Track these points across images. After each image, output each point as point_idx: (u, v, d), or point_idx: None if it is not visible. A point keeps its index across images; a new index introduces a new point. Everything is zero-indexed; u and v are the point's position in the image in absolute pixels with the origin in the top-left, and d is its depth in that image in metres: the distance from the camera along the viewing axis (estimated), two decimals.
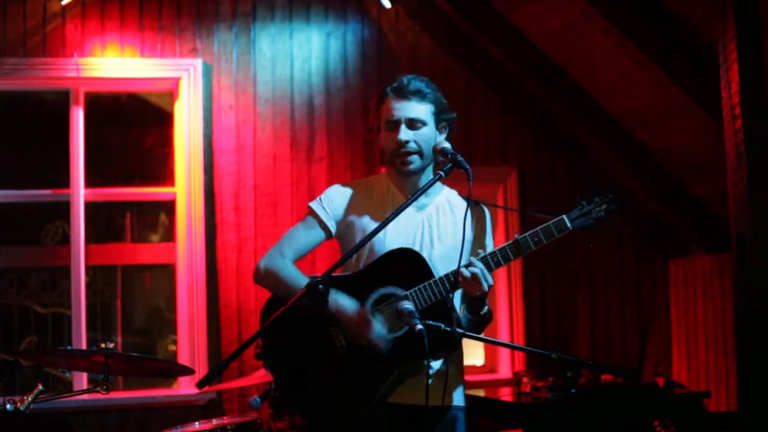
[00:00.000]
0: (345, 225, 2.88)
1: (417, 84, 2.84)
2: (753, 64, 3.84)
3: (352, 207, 2.89)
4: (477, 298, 2.71)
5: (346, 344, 2.71)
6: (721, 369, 5.57)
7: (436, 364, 2.78)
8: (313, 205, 2.90)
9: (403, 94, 2.82)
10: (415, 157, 2.81)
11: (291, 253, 2.85)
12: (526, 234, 2.71)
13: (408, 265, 2.74)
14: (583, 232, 2.74)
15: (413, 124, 2.82)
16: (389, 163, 2.88)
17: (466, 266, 2.65)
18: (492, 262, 2.70)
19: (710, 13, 4.18)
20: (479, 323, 2.81)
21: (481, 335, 2.80)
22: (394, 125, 2.82)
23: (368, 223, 2.84)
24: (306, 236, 2.88)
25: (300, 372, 2.74)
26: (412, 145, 2.80)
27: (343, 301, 2.69)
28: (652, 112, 5.34)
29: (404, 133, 2.80)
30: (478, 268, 2.64)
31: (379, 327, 2.67)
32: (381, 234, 2.78)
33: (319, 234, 2.88)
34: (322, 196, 2.91)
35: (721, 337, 5.60)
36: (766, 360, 3.76)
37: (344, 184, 2.95)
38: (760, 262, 3.78)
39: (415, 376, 2.71)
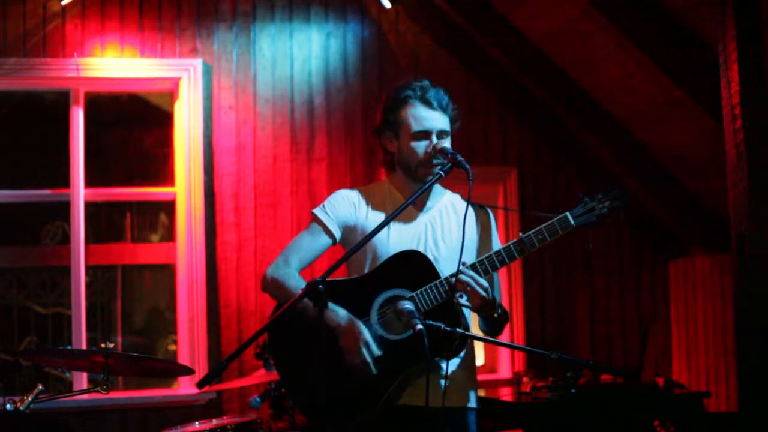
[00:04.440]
0: (349, 230, 2.89)
1: (442, 96, 2.86)
2: (753, 64, 3.85)
3: (356, 212, 2.90)
4: (481, 308, 2.71)
5: None
6: (721, 369, 5.57)
7: (452, 366, 2.78)
8: (317, 211, 2.91)
9: (431, 104, 2.83)
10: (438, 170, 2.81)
11: (296, 262, 2.86)
12: (530, 232, 2.71)
13: (414, 266, 2.75)
14: (586, 229, 2.75)
15: (441, 135, 2.83)
16: (409, 171, 2.86)
17: (455, 275, 2.64)
18: (497, 261, 2.71)
19: (710, 13, 4.18)
20: (497, 323, 2.81)
21: (481, 335, 2.80)
22: (425, 135, 2.81)
23: (372, 227, 2.84)
24: (311, 243, 2.88)
25: (307, 374, 2.74)
26: (441, 158, 2.80)
27: (339, 315, 2.70)
28: (652, 112, 5.34)
29: (440, 145, 2.80)
30: (468, 276, 2.64)
31: (372, 347, 2.67)
32: (384, 237, 2.80)
33: (324, 240, 2.89)
34: (326, 203, 2.92)
35: (721, 337, 5.60)
36: (766, 360, 3.76)
37: (347, 190, 2.96)
38: (760, 262, 3.78)
39: (424, 377, 2.71)
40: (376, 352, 2.67)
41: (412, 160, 2.84)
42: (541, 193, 5.93)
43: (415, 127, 2.82)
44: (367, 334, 2.68)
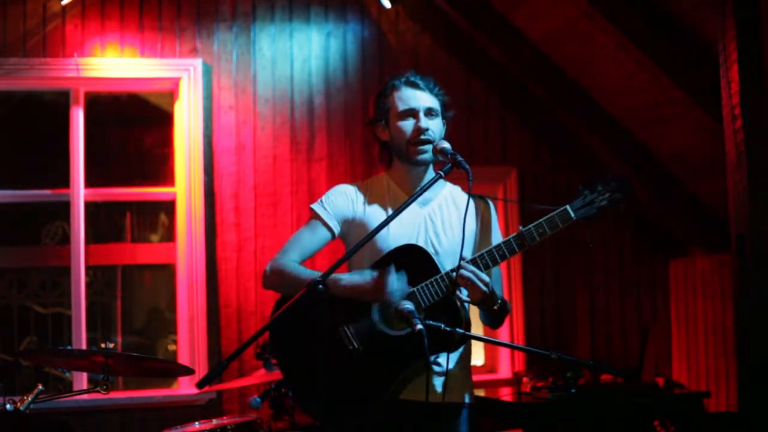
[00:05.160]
0: (348, 225, 2.90)
1: (427, 78, 2.91)
2: (753, 64, 3.85)
3: (354, 206, 2.90)
4: (482, 302, 2.71)
5: (356, 342, 2.72)
6: (721, 369, 5.57)
7: (452, 363, 2.78)
8: (315, 206, 2.91)
9: (417, 85, 2.88)
10: (429, 146, 2.82)
11: (296, 255, 2.85)
12: (530, 226, 2.71)
13: (414, 260, 2.74)
14: (586, 222, 2.74)
15: (429, 113, 2.86)
16: (402, 153, 2.87)
17: (455, 270, 2.64)
18: (497, 255, 2.71)
19: (710, 13, 4.18)
20: (497, 315, 2.81)
21: (481, 335, 2.80)
22: (412, 113, 2.85)
23: (370, 221, 2.85)
24: (310, 238, 2.89)
25: (309, 370, 2.72)
26: (431, 134, 2.83)
27: (349, 277, 2.71)
28: (652, 112, 5.34)
29: (424, 121, 2.83)
30: (469, 271, 2.64)
31: (394, 280, 2.65)
32: (384, 231, 2.79)
33: (323, 235, 2.89)
34: (324, 198, 2.92)
35: (721, 337, 5.60)
36: (766, 360, 3.76)
37: (344, 185, 2.97)
38: (760, 262, 3.78)
39: (424, 373, 2.71)
40: (404, 286, 2.65)
41: (401, 141, 2.85)
42: (541, 193, 5.93)
43: (401, 107, 2.86)
44: (388, 276, 2.65)
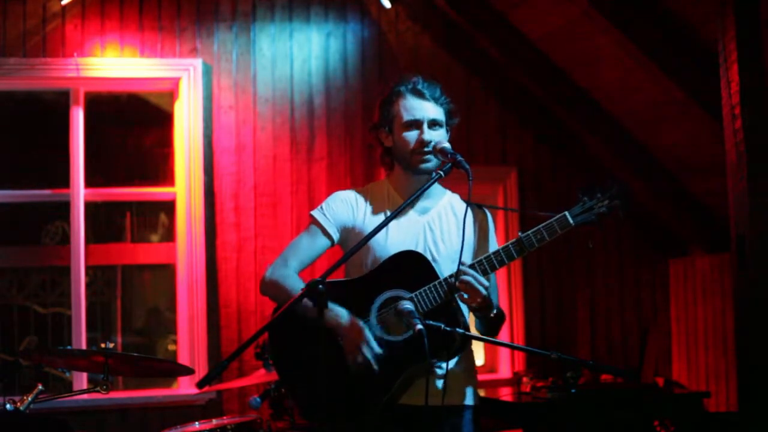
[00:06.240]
0: (347, 232, 2.90)
1: (434, 87, 2.89)
2: (753, 64, 3.84)
3: (354, 213, 2.90)
4: (480, 308, 2.70)
5: None
6: (721, 369, 5.57)
7: (453, 363, 2.77)
8: (315, 213, 2.91)
9: (422, 95, 2.86)
10: (432, 156, 2.83)
11: (295, 263, 2.86)
12: (529, 232, 2.71)
13: (413, 267, 2.75)
14: (585, 228, 2.74)
15: (433, 124, 2.85)
16: (405, 162, 2.87)
17: (456, 276, 2.64)
18: (495, 261, 2.71)
19: (710, 13, 4.18)
20: (494, 323, 2.81)
21: (481, 335, 2.80)
22: (416, 125, 2.84)
23: (370, 229, 2.84)
24: (310, 245, 2.89)
25: (308, 374, 2.73)
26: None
27: (339, 314, 2.70)
28: (652, 111, 5.34)
29: (428, 134, 2.83)
30: (469, 275, 2.64)
31: (373, 345, 2.67)
32: (383, 238, 2.80)
33: (322, 242, 2.89)
34: (324, 204, 2.92)
35: (721, 337, 5.60)
36: (766, 360, 3.76)
37: (345, 191, 2.97)
38: (760, 262, 3.78)
39: (425, 377, 2.71)
40: (377, 350, 2.67)
41: (405, 151, 2.85)
42: (541, 193, 5.93)
43: (406, 117, 2.85)
44: (368, 332, 2.67)
